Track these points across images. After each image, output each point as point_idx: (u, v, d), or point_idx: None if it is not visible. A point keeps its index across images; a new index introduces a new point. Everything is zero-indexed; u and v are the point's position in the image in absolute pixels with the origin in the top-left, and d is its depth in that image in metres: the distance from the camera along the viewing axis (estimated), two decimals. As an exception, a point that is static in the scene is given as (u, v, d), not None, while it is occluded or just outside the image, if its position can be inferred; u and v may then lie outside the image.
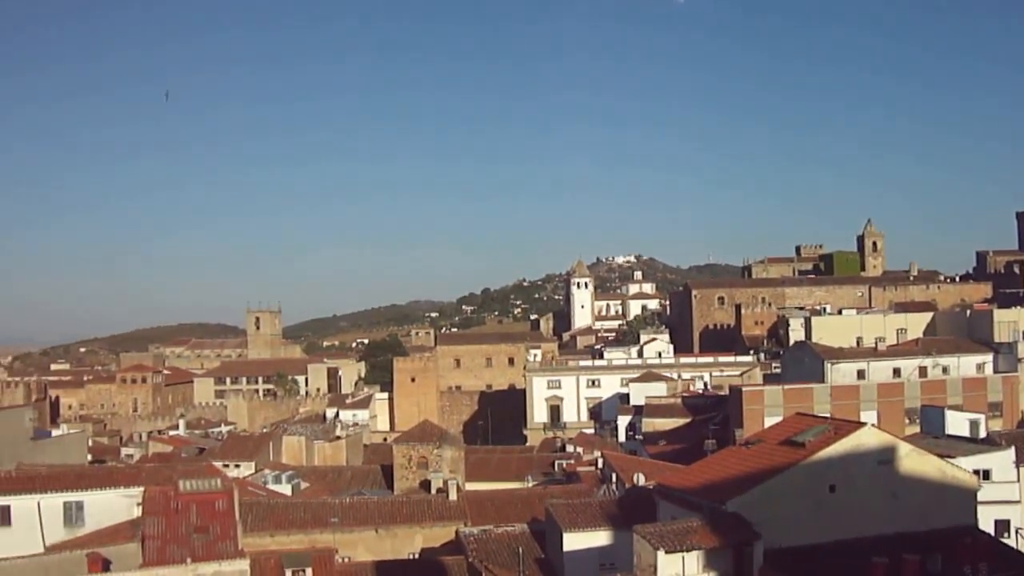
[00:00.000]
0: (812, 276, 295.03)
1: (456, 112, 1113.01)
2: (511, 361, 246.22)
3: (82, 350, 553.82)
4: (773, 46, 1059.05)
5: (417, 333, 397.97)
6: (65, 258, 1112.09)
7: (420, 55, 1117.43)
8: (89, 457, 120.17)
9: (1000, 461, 70.92)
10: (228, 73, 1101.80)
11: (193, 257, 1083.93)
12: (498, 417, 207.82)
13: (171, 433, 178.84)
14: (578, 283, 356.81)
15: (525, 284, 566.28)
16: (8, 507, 67.80)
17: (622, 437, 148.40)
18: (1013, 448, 72.57)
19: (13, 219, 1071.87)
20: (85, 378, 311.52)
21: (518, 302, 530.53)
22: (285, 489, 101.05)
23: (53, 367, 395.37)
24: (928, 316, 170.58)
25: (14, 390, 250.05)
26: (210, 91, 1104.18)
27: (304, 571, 60.44)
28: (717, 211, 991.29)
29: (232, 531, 58.36)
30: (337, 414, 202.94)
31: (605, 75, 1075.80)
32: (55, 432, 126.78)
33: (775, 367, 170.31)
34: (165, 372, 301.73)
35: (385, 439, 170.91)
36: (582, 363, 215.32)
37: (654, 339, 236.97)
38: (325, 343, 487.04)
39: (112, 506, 69.26)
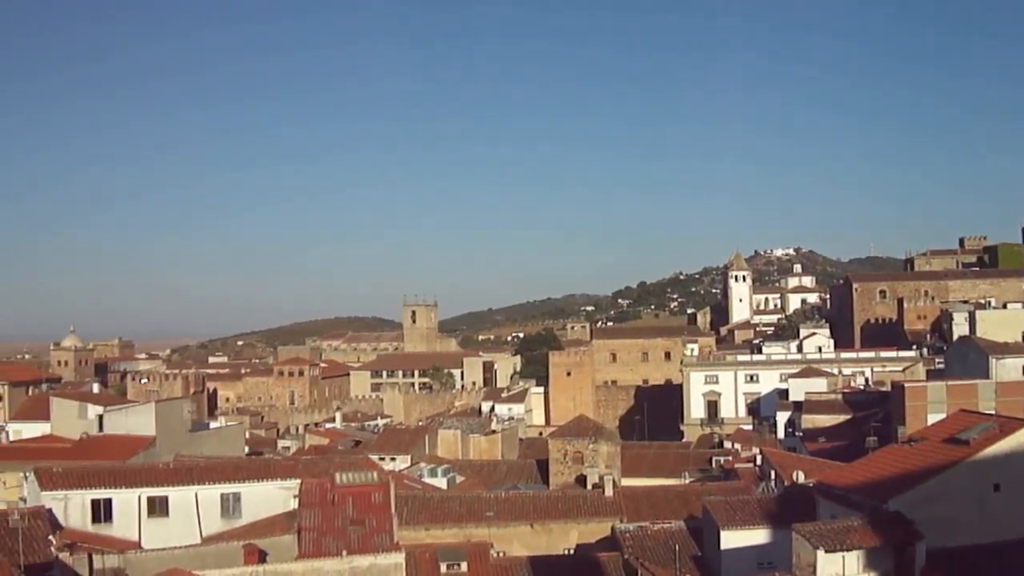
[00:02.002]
0: (976, 269, 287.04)
1: (616, 105, 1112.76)
2: (667, 356, 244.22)
3: (240, 343, 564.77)
4: (938, 26, 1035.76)
5: (572, 327, 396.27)
6: (223, 255, 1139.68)
7: (595, 48, 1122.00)
8: (246, 449, 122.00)
9: None
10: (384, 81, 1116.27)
11: (351, 252, 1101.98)
12: (654, 412, 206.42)
13: (327, 426, 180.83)
14: (736, 276, 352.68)
15: (682, 277, 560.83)
16: (166, 498, 68.88)
17: (781, 434, 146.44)
18: None
19: (173, 218, 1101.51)
20: (243, 371, 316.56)
21: (675, 296, 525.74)
22: (440, 483, 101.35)
23: (211, 360, 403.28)
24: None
25: (172, 383, 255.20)
26: (365, 99, 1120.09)
27: (459, 565, 60.25)
28: (879, 203, 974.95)
29: (388, 524, 58.49)
30: (492, 408, 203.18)
31: (761, 67, 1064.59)
32: (213, 424, 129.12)
33: (938, 362, 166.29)
34: (322, 365, 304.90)
35: (540, 433, 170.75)
36: (740, 358, 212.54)
37: (814, 333, 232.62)
38: (480, 337, 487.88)
39: (269, 498, 70.01)
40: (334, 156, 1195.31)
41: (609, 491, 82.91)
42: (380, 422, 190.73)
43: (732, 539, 56.67)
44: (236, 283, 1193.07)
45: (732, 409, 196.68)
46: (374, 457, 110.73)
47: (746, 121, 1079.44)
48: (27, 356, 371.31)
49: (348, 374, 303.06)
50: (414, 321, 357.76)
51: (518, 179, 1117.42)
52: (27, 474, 72.34)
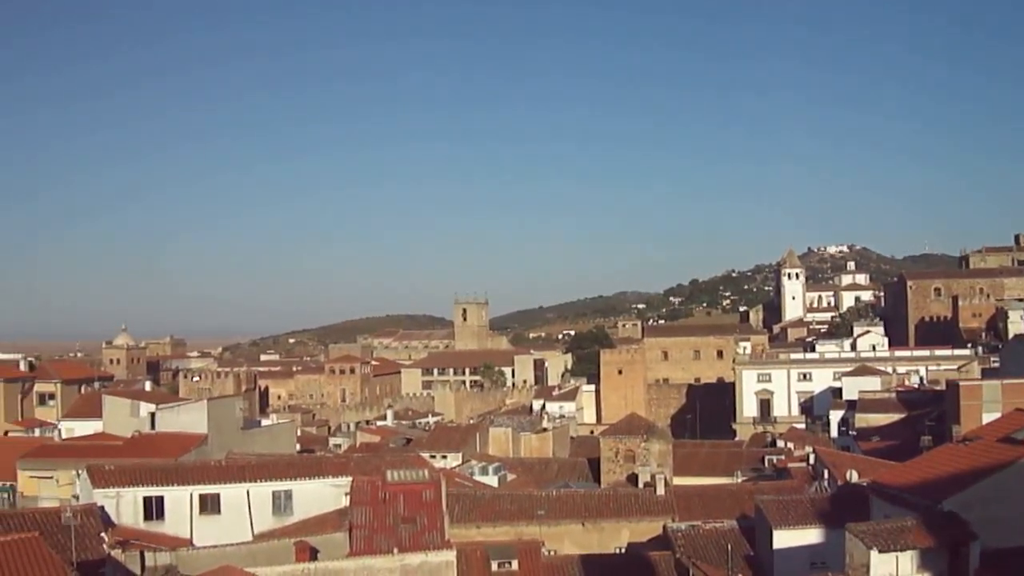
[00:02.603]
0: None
1: (672, 104, 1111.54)
2: (720, 354, 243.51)
3: (291, 341, 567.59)
4: (989, 22, 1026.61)
5: (624, 325, 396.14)
6: (274, 253, 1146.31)
7: (653, 49, 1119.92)
8: (298, 447, 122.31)
9: None
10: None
11: (401, 250, 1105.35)
12: (706, 411, 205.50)
13: (379, 423, 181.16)
14: (789, 274, 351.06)
15: (734, 275, 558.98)
16: (218, 495, 69.20)
17: (834, 432, 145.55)
18: None
19: (223, 217, 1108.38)
20: (294, 368, 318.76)
21: (727, 293, 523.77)
22: (492, 481, 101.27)
23: (263, 358, 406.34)
24: None
25: (224, 380, 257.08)
26: (414, 93, 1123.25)
27: (510, 563, 60.24)
28: (933, 200, 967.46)
29: (439, 522, 58.39)
30: (544, 406, 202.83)
31: (814, 66, 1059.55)
32: (264, 422, 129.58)
33: (993, 361, 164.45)
34: (373, 363, 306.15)
35: (592, 432, 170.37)
36: (793, 356, 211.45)
37: (868, 332, 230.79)
38: (531, 334, 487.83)
39: (320, 495, 70.22)
40: (387, 151, 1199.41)
41: (661, 490, 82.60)
42: (431, 420, 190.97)
43: (784, 539, 56.29)
44: (287, 281, 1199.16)
45: (785, 408, 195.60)
46: (425, 455, 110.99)
47: (799, 119, 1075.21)
48: (79, 354, 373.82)
49: (399, 372, 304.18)
50: (465, 319, 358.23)
51: (570, 176, 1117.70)
52: (79, 472, 72.93)
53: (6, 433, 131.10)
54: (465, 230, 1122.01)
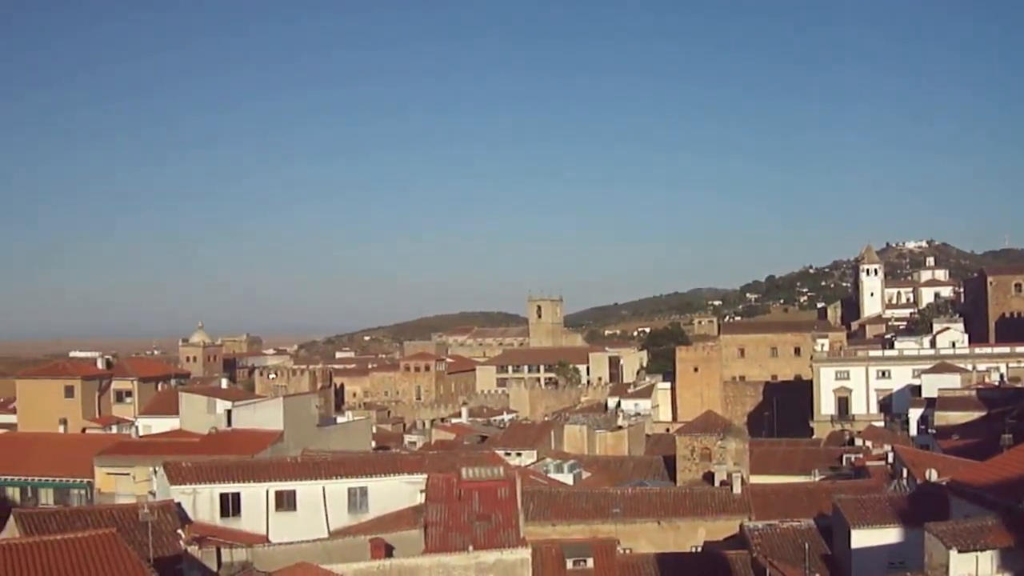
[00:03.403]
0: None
1: (749, 101, 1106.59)
2: (797, 351, 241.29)
3: (366, 338, 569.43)
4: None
5: (700, 322, 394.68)
6: (349, 251, 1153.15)
7: (730, 50, 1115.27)
8: (373, 444, 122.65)
9: None
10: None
11: (476, 247, 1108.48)
12: (783, 408, 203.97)
13: (453, 421, 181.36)
14: (867, 270, 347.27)
15: (811, 271, 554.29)
16: (294, 492, 69.60)
17: (913, 431, 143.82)
18: None
19: (297, 217, 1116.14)
20: (369, 366, 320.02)
21: (804, 290, 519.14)
22: (566, 478, 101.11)
23: (338, 355, 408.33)
24: None
25: (300, 378, 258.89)
26: (489, 94, 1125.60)
27: (585, 562, 60.16)
28: (1014, 194, 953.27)
29: (514, 520, 58.44)
30: (619, 403, 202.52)
31: (893, 60, 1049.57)
32: (340, 419, 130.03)
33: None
34: (448, 360, 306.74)
35: (667, 429, 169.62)
36: (871, 353, 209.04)
37: (947, 328, 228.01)
38: (606, 332, 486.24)
39: (395, 492, 70.43)
40: (461, 150, 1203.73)
41: (737, 488, 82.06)
42: (506, 417, 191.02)
43: (863, 538, 55.80)
44: (362, 279, 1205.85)
45: (863, 405, 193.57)
46: (500, 452, 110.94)
47: (876, 113, 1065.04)
48: (156, 352, 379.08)
49: (474, 369, 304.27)
50: (539, 316, 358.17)
51: (646, 174, 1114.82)
52: (156, 468, 73.64)
53: (84, 430, 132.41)
54: (540, 227, 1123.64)
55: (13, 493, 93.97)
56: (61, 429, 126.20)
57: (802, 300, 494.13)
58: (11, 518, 56.32)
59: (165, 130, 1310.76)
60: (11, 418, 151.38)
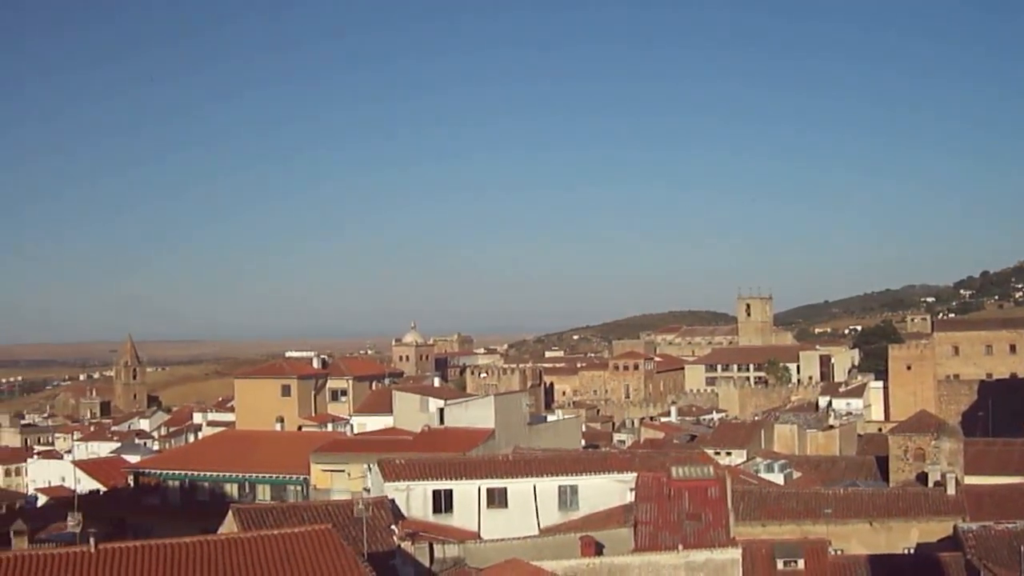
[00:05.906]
0: None
1: (948, 96, 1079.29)
2: (1012, 348, 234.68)
3: (575, 337, 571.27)
4: None
5: (912, 319, 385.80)
6: (560, 250, 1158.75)
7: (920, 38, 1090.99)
8: (583, 442, 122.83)
9: None
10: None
11: (683, 247, 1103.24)
12: (999, 407, 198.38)
13: (662, 419, 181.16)
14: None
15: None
16: (505, 489, 70.09)
17: None
18: None
19: (505, 219, 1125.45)
20: (578, 365, 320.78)
21: (1019, 285, 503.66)
22: (777, 478, 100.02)
23: (547, 354, 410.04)
24: None
25: (510, 376, 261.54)
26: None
27: (795, 563, 59.53)
28: None
29: (724, 519, 58.18)
30: (830, 402, 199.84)
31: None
32: (550, 417, 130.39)
33: None
34: (657, 359, 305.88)
35: (880, 429, 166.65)
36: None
37: None
38: (817, 330, 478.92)
39: (605, 491, 70.38)
40: (668, 153, 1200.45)
41: (951, 489, 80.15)
42: (715, 416, 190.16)
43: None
44: (571, 278, 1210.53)
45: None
46: (709, 451, 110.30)
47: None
48: (370, 351, 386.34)
49: (683, 368, 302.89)
50: (749, 314, 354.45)
51: (856, 168, 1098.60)
52: (371, 465, 74.96)
53: (300, 428, 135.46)
54: (749, 225, 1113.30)
55: (231, 489, 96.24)
56: (278, 427, 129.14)
57: (1018, 296, 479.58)
58: (229, 513, 58.23)
59: (411, 132, 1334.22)
60: (230, 416, 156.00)
